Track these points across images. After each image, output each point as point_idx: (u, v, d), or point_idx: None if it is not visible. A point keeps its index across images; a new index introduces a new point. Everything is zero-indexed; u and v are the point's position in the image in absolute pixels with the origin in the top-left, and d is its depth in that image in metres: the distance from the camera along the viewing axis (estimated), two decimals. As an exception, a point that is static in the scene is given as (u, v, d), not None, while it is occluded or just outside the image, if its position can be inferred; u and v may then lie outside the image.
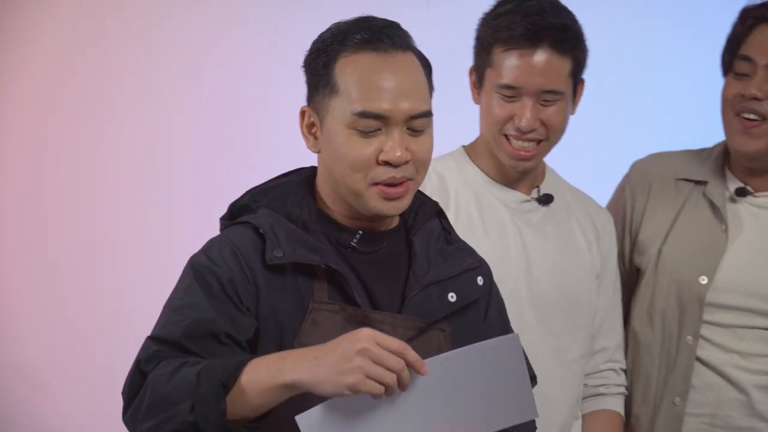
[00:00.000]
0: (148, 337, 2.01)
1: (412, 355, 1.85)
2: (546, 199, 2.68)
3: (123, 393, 1.99)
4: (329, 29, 2.11)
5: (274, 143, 4.07)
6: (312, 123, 2.10)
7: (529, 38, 2.50)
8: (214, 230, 2.16)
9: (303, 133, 2.12)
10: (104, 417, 3.89)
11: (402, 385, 1.85)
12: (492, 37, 2.55)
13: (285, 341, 2.03)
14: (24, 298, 4.40)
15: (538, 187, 2.69)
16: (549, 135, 2.56)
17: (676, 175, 2.83)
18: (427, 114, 2.07)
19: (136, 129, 4.36)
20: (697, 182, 2.80)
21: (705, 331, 2.71)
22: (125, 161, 4.37)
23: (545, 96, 2.53)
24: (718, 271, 2.71)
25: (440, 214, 2.23)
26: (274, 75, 4.18)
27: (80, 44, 4.38)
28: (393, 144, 2.03)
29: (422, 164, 2.08)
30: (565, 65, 2.53)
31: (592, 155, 3.87)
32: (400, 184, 2.06)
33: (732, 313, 2.70)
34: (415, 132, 2.06)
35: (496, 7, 2.59)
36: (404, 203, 2.09)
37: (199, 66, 4.34)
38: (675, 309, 2.73)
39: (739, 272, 2.71)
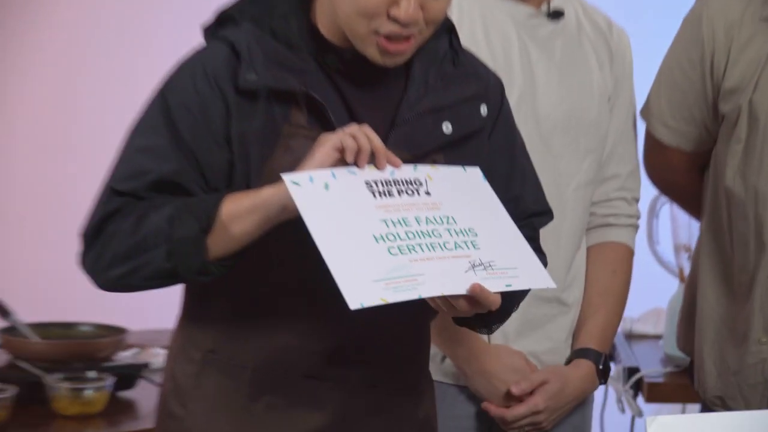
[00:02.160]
0: (111, 187, 1.89)
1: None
2: (555, 15, 2.53)
3: (84, 236, 1.89)
4: None
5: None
6: None
7: None
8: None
9: None
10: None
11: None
12: None
13: (252, 170, 1.89)
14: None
15: (548, 1, 2.54)
16: None
17: (761, 13, 2.52)
18: None
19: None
20: None
21: None
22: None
23: None
24: None
25: (451, 30, 2.03)
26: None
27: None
28: (408, 1, 1.84)
29: (433, 23, 1.90)
30: None
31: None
32: (405, 39, 1.88)
33: None
34: None
35: None
36: (405, 57, 1.92)
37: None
38: None
39: None
